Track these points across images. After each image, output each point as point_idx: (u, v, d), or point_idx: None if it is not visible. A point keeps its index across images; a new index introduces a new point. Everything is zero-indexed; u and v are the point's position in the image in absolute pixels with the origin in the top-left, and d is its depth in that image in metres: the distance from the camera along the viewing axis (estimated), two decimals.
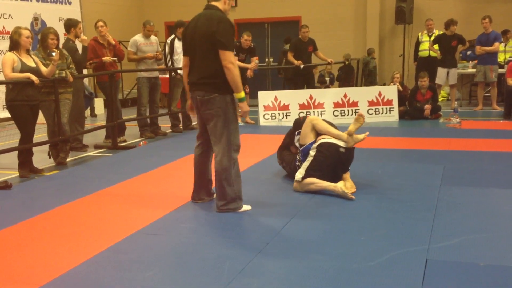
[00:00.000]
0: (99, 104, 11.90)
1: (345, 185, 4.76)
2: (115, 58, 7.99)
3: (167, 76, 9.61)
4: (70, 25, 7.58)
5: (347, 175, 4.97)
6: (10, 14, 10.27)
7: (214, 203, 4.49)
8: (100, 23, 7.85)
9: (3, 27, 10.08)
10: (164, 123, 9.18)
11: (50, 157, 6.66)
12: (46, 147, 6.72)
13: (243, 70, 9.53)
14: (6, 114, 7.24)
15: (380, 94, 9.69)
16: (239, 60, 9.48)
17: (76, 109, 7.31)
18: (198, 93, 4.26)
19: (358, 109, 9.62)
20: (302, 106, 9.53)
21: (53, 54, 6.04)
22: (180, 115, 9.06)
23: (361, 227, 3.92)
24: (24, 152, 6.05)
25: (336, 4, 14.15)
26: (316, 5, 14.23)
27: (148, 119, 8.70)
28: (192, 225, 4.09)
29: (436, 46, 10.68)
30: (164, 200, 4.70)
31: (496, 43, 10.48)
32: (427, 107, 9.43)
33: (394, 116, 9.65)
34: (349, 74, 13.01)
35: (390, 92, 9.72)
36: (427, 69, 10.26)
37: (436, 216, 4.10)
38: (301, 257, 3.37)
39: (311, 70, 10.90)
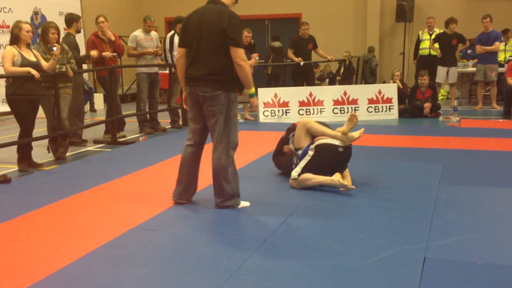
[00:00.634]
0: (98, 99, 11.89)
1: (343, 180, 4.77)
2: (115, 54, 7.98)
3: (167, 72, 9.61)
4: (71, 19, 7.57)
5: (346, 173, 4.97)
6: (10, 8, 10.25)
7: (210, 198, 4.49)
8: (101, 19, 7.84)
9: (3, 21, 10.06)
10: (164, 119, 9.17)
11: (49, 152, 6.67)
12: (45, 141, 6.72)
13: None
14: (6, 108, 7.23)
15: (380, 92, 9.69)
16: None
17: (76, 104, 7.31)
18: (201, 89, 4.16)
19: (358, 107, 9.62)
20: (302, 103, 9.53)
21: (54, 49, 6.03)
22: (179, 110, 9.06)
23: (359, 224, 3.92)
24: (24, 147, 6.05)
25: (337, 1, 14.14)
26: (317, 2, 14.22)
27: (148, 115, 8.70)
28: (189, 221, 4.09)
29: (436, 45, 10.68)
30: (162, 196, 4.70)
31: (497, 43, 10.47)
32: (427, 105, 9.42)
33: (394, 114, 9.65)
34: (350, 72, 13.01)
35: (390, 90, 9.71)
36: (427, 67, 10.25)
37: (434, 214, 4.10)
38: (298, 254, 3.37)
39: (311, 67, 10.89)
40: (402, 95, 9.75)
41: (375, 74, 13.09)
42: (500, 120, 9.27)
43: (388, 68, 13.58)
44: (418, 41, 11.37)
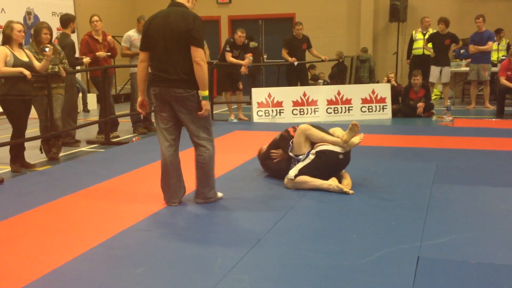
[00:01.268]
0: (92, 99, 11.86)
1: (340, 182, 4.77)
2: (109, 53, 7.96)
3: None
4: (69, 20, 7.56)
5: (346, 174, 4.97)
6: (2, 8, 10.23)
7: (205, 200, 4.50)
8: (95, 18, 7.83)
9: None
10: None
11: (42, 152, 6.64)
12: (38, 142, 6.69)
13: (237, 67, 9.55)
14: None
15: (373, 92, 9.71)
16: (233, 56, 9.48)
17: (69, 104, 7.29)
18: (175, 90, 4.20)
19: (352, 107, 9.64)
20: (295, 103, 9.53)
21: (47, 49, 6.00)
22: None
23: (353, 224, 3.92)
24: (16, 147, 6.03)
25: (330, 1, 14.16)
26: (310, 2, 14.23)
27: (141, 115, 8.67)
28: (183, 222, 4.09)
29: (430, 45, 10.71)
30: (156, 196, 4.68)
31: (490, 42, 10.52)
32: (420, 105, 9.45)
33: (387, 114, 9.67)
34: (342, 72, 13.03)
35: (384, 90, 9.74)
36: (421, 67, 10.29)
37: (428, 214, 4.11)
38: (292, 254, 3.37)
39: (305, 67, 10.89)
40: (396, 94, 9.78)
41: (374, 73, 13.12)
42: (493, 119, 9.32)
43: (382, 68, 13.61)
44: (412, 41, 11.39)
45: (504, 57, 10.87)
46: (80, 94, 11.17)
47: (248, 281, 2.99)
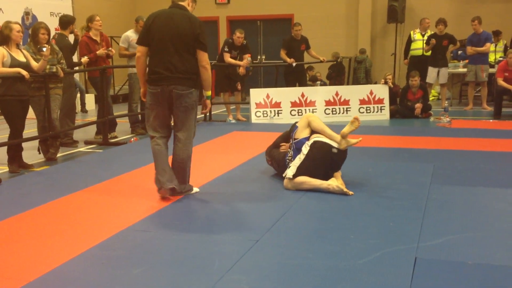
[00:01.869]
0: (90, 99, 11.85)
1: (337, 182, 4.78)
2: (111, 49, 8.00)
3: None
4: (68, 21, 7.57)
5: (337, 174, 4.98)
6: (1, 8, 10.22)
7: (203, 198, 4.50)
8: (99, 18, 7.86)
9: None
10: None
11: (40, 153, 6.64)
12: (36, 142, 6.69)
13: (235, 68, 9.55)
14: None
15: (371, 93, 9.72)
16: (231, 57, 9.49)
17: (67, 104, 7.28)
18: (175, 87, 4.46)
19: (350, 108, 9.65)
20: (294, 104, 9.54)
21: (44, 49, 6.01)
22: None
23: (351, 225, 3.93)
24: (14, 147, 6.02)
25: (329, 2, 14.17)
26: (309, 3, 14.24)
27: (140, 115, 8.67)
28: (181, 222, 4.09)
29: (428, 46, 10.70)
30: (154, 197, 4.69)
31: (488, 44, 10.54)
32: (418, 106, 9.47)
33: (385, 115, 9.68)
34: (340, 73, 13.04)
35: (382, 90, 9.75)
36: (418, 68, 10.30)
37: (425, 214, 4.12)
38: (291, 254, 3.38)
39: (303, 68, 10.90)
40: (393, 95, 9.79)
41: (370, 74, 13.13)
42: (491, 120, 9.33)
43: (380, 69, 13.63)
44: (409, 42, 11.39)
45: (501, 58, 10.90)
46: (78, 95, 11.18)
47: (246, 281, 2.99)
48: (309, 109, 9.52)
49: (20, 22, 7.18)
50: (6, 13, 10.03)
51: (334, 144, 4.86)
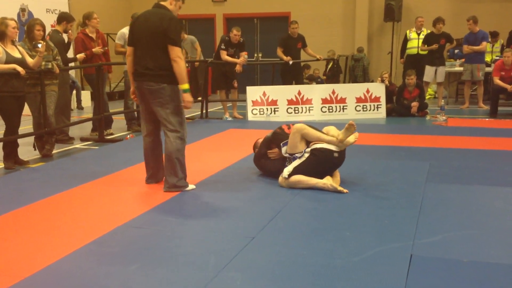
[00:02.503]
0: (86, 96, 11.82)
1: (333, 180, 4.77)
2: (106, 48, 7.97)
3: None
4: (64, 17, 7.53)
5: (336, 172, 4.97)
6: None
7: (199, 195, 4.48)
8: (96, 15, 7.84)
9: None
10: None
11: (35, 149, 6.62)
12: (31, 139, 6.67)
13: (232, 65, 9.54)
14: None
15: (368, 91, 9.72)
16: (228, 54, 9.47)
17: (62, 101, 7.26)
18: (147, 83, 4.62)
19: (346, 106, 9.65)
20: (290, 102, 9.54)
21: (39, 46, 5.98)
22: None
23: (346, 223, 3.93)
24: (9, 144, 6.00)
25: (326, 0, 14.17)
26: (306, 1, 14.25)
27: (136, 112, 8.65)
28: (177, 219, 4.08)
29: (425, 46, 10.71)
30: (149, 194, 4.68)
31: (484, 42, 10.56)
32: (414, 104, 9.48)
33: (382, 113, 9.69)
34: (336, 72, 13.04)
35: (378, 89, 9.75)
36: (415, 67, 10.31)
37: (421, 212, 4.12)
38: (286, 252, 3.37)
39: (300, 66, 10.90)
40: (390, 93, 9.80)
41: (367, 73, 13.13)
42: (487, 119, 9.35)
43: (377, 68, 13.64)
44: (406, 40, 11.41)
45: (498, 57, 10.91)
46: (74, 91, 11.15)
47: (241, 279, 2.99)
48: (306, 107, 9.52)
49: (16, 18, 7.14)
50: (1, 10, 9.95)
51: (334, 148, 4.85)
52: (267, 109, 9.49)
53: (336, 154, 4.84)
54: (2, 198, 4.68)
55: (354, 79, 13.16)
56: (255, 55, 14.76)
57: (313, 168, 4.81)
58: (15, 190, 4.94)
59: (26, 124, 7.06)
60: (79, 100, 11.52)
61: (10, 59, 5.80)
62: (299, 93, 9.60)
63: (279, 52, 10.21)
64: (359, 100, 9.69)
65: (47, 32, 7.02)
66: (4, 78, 5.73)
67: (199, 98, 10.02)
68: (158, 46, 4.56)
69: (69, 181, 5.17)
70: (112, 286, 2.92)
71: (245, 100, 9.58)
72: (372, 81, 12.09)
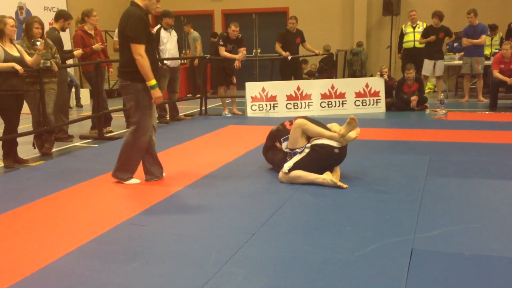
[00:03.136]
0: (85, 94, 11.80)
1: (332, 175, 4.77)
2: (106, 44, 7.96)
3: None
4: (61, 15, 7.49)
5: (336, 168, 4.96)
6: None
7: (199, 192, 4.48)
8: (95, 13, 7.82)
9: None
10: None
11: (35, 148, 6.61)
12: (31, 137, 6.66)
13: (230, 61, 9.53)
14: None
15: (367, 86, 9.71)
16: (226, 50, 9.45)
17: (60, 99, 7.25)
18: (119, 80, 4.86)
19: (345, 101, 9.64)
20: (289, 97, 9.53)
21: (38, 43, 5.96)
22: (167, 106, 9.01)
23: (347, 217, 3.93)
24: (9, 143, 5.99)
25: None
26: None
27: None
28: (177, 216, 4.08)
29: (422, 39, 10.68)
30: (149, 191, 4.68)
31: (483, 36, 10.54)
32: (414, 98, 9.47)
33: (381, 107, 9.68)
34: (331, 66, 13.02)
35: (377, 83, 9.74)
36: (413, 60, 10.28)
37: (421, 206, 4.12)
38: (287, 247, 3.37)
39: (299, 61, 10.88)
40: (389, 88, 9.78)
41: (365, 67, 13.12)
42: (486, 112, 9.35)
43: (376, 62, 13.62)
44: (402, 35, 11.35)
45: (497, 50, 10.89)
46: (73, 89, 11.13)
47: (243, 275, 2.99)
48: (305, 103, 9.51)
49: (14, 16, 7.12)
50: None
51: (335, 144, 4.83)
52: (266, 105, 9.48)
53: (336, 150, 4.83)
54: (2, 197, 4.68)
55: (352, 74, 13.14)
56: (254, 50, 14.75)
57: (314, 163, 4.81)
58: (15, 189, 4.94)
59: (26, 123, 7.05)
60: (78, 98, 11.50)
61: (8, 58, 5.78)
62: (298, 88, 9.59)
63: (278, 47, 10.19)
64: (358, 95, 9.68)
65: (45, 30, 6.99)
66: (3, 76, 5.72)
67: (198, 96, 9.99)
68: (123, 44, 4.70)
69: (69, 179, 5.17)
70: (113, 284, 2.92)
71: (244, 96, 9.57)
72: (371, 76, 12.07)
